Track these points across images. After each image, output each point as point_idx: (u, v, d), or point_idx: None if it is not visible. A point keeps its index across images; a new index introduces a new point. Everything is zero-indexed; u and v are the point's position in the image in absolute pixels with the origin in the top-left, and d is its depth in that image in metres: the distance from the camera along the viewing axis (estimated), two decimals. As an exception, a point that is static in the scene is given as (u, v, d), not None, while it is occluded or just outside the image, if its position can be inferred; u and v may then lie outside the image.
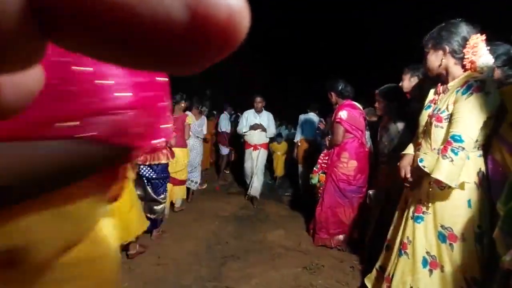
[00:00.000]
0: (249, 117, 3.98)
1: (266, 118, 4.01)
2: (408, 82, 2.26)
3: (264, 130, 3.92)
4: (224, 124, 5.35)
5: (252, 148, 3.99)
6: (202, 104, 5.89)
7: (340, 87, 2.65)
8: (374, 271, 1.73)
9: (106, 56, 0.10)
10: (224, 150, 5.38)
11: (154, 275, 1.98)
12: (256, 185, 3.92)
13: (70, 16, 0.09)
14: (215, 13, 0.09)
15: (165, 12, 0.09)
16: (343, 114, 2.56)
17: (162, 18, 0.09)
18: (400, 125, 2.14)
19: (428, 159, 1.36)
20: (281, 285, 1.98)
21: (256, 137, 3.98)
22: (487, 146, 1.36)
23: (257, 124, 3.90)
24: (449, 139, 1.26)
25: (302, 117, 4.82)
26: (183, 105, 3.32)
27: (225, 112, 5.56)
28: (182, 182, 3.26)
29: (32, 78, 0.12)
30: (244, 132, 3.98)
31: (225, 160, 5.42)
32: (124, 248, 2.15)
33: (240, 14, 0.10)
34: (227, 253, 2.37)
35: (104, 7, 0.09)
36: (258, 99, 3.95)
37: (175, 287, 1.87)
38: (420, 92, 2.17)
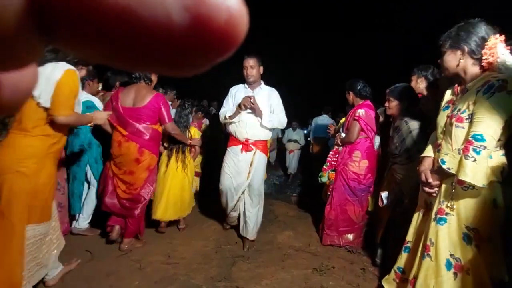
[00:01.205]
0: (237, 95, 2.43)
1: (266, 96, 2.40)
2: (416, 82, 2.25)
3: (259, 114, 2.29)
4: None
5: (240, 146, 2.36)
6: (210, 105, 5.92)
7: (359, 87, 2.65)
8: (392, 273, 1.69)
9: (106, 57, 0.10)
10: None
11: (165, 274, 1.98)
12: (251, 225, 2.42)
13: (71, 17, 0.09)
14: (215, 15, 0.10)
15: (165, 15, 0.09)
16: (361, 112, 2.57)
17: (162, 20, 0.09)
18: (412, 125, 2.11)
19: (450, 160, 1.33)
20: (292, 286, 1.96)
21: (249, 128, 2.34)
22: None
23: (248, 96, 2.28)
24: (470, 138, 1.24)
25: (316, 119, 5.54)
26: (200, 115, 3.83)
27: None
28: (198, 174, 3.70)
29: (28, 77, 0.12)
30: (230, 118, 2.38)
31: None
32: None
33: (239, 17, 0.10)
34: (236, 253, 2.36)
35: (105, 9, 0.09)
36: (250, 61, 2.33)
37: (186, 286, 1.87)
38: (435, 92, 2.15)
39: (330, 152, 2.87)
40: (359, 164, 2.58)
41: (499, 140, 1.26)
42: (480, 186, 1.22)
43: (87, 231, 2.44)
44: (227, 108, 2.46)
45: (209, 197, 3.49)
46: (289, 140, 6.37)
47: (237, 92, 2.47)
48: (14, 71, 0.11)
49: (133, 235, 2.30)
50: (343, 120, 3.06)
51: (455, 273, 1.30)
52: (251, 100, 2.26)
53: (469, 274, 1.26)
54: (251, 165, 2.37)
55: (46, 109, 1.43)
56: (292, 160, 6.22)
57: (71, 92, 1.47)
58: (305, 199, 4.22)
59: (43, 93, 1.41)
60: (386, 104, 2.30)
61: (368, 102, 2.65)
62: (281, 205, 3.93)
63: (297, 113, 6.96)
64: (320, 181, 2.89)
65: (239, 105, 2.31)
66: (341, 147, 2.73)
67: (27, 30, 0.10)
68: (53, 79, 1.42)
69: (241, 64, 2.41)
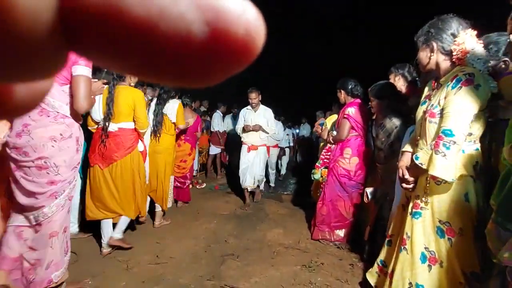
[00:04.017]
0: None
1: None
2: (394, 81, 2.29)
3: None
4: (217, 123, 5.27)
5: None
6: (201, 104, 5.86)
7: (350, 86, 2.71)
8: (375, 266, 1.73)
9: (127, 68, 0.11)
10: (215, 150, 5.30)
11: (153, 274, 1.96)
12: None
13: (95, 29, 0.09)
14: (233, 29, 0.10)
15: (185, 29, 0.09)
16: (351, 110, 2.62)
17: (183, 34, 0.09)
18: (397, 121, 2.13)
19: (423, 156, 1.36)
20: (281, 283, 1.97)
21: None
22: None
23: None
24: (440, 134, 1.26)
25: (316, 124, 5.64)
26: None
27: (217, 110, 5.46)
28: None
29: (45, 81, 0.13)
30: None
31: (218, 159, 5.39)
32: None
33: (256, 30, 0.10)
34: (226, 252, 2.36)
35: (128, 24, 0.09)
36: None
37: (174, 286, 1.86)
38: (413, 88, 2.19)
39: (323, 150, 2.92)
40: (349, 161, 2.62)
41: (470, 134, 1.28)
42: (450, 181, 1.24)
43: (79, 234, 2.41)
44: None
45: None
46: (248, 130, 3.62)
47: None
48: (39, 80, 0.12)
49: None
50: (320, 121, 3.14)
51: (429, 266, 1.33)
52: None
53: (442, 267, 1.29)
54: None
55: (173, 122, 2.87)
56: (253, 164, 3.65)
57: (182, 114, 2.90)
58: (296, 197, 4.24)
59: (172, 114, 2.82)
60: (370, 103, 2.34)
61: (358, 100, 2.70)
62: (271, 203, 3.94)
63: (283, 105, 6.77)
64: (313, 178, 2.96)
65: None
66: (333, 145, 2.77)
67: (55, 42, 0.10)
68: (175, 107, 2.83)
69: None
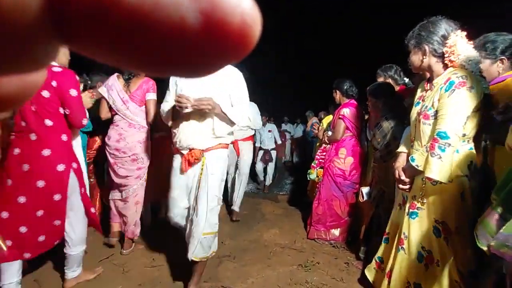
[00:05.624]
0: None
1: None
2: None
3: None
4: None
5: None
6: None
7: (345, 87, 2.73)
8: (373, 262, 1.75)
9: (120, 60, 0.10)
10: None
11: (149, 276, 1.96)
12: None
13: (87, 20, 0.09)
14: (229, 18, 0.10)
15: (179, 17, 0.09)
16: (346, 111, 2.65)
17: (177, 24, 0.09)
18: (393, 121, 2.16)
19: (419, 158, 1.37)
20: (277, 283, 1.98)
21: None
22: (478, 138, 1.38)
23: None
24: (435, 136, 1.28)
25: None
26: None
27: None
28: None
29: (38, 74, 0.12)
30: None
31: None
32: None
33: (253, 20, 0.10)
34: (223, 253, 2.36)
35: (121, 13, 0.09)
36: None
37: (171, 287, 1.86)
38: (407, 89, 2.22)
39: (319, 150, 2.94)
40: (344, 161, 2.65)
41: (464, 134, 1.30)
42: (446, 182, 1.26)
43: None
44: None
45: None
46: (182, 108, 1.70)
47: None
48: (29, 73, 0.11)
49: None
50: (312, 120, 3.15)
51: (426, 265, 1.35)
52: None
53: (439, 265, 1.31)
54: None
55: None
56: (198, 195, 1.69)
57: None
58: (291, 197, 4.26)
59: None
60: (368, 102, 2.37)
61: (353, 101, 2.73)
62: (267, 203, 3.95)
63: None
64: (308, 178, 2.98)
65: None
66: (328, 145, 2.80)
67: (45, 32, 0.10)
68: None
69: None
